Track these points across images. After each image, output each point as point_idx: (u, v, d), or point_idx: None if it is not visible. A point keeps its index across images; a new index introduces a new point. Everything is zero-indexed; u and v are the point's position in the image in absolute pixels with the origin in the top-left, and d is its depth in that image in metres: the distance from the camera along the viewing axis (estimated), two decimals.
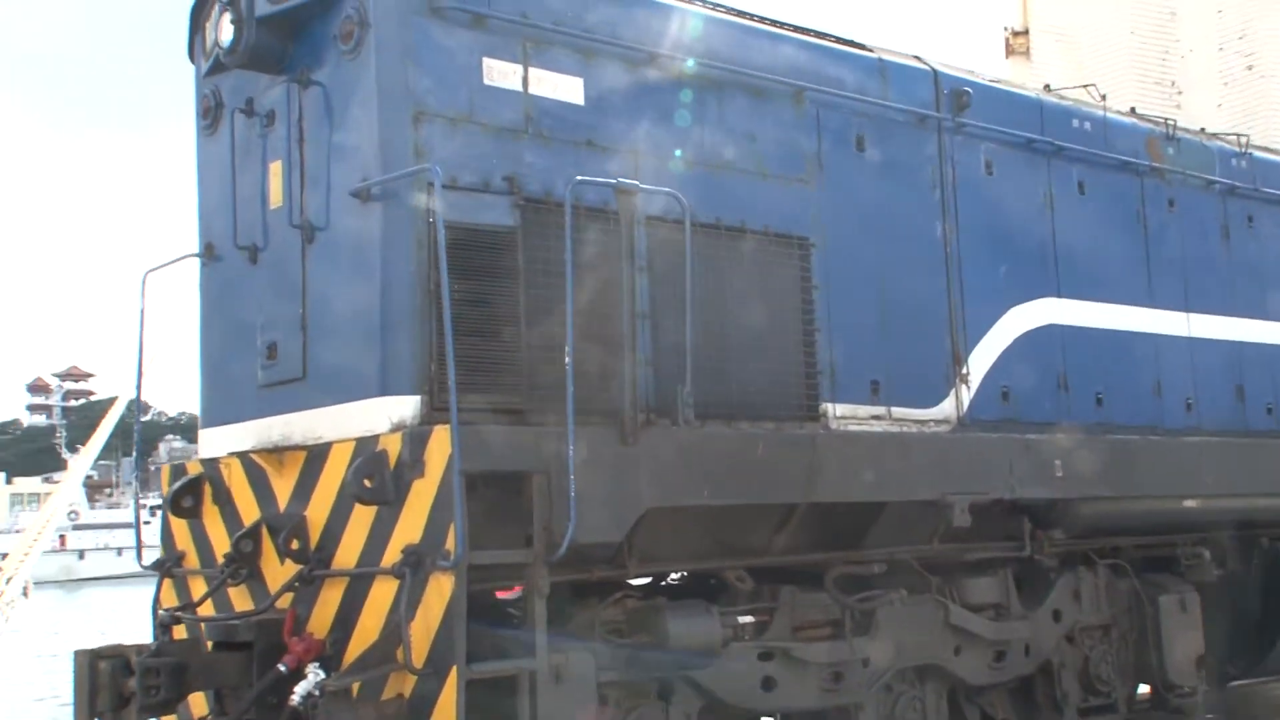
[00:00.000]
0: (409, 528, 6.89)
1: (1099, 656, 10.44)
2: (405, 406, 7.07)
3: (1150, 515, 10.67)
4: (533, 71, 7.73)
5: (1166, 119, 11.95)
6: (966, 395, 9.57)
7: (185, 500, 8.32)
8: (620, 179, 7.52)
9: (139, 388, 9.14)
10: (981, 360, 9.72)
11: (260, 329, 7.97)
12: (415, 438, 6.87)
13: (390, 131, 7.24)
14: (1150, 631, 10.70)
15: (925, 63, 9.93)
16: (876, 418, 9.00)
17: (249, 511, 7.93)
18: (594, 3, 8.06)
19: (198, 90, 8.76)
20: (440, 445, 6.76)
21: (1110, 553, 10.67)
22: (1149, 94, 15.21)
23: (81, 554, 79.72)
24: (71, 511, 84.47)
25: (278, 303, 7.86)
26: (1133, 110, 12.03)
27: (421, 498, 6.84)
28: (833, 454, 8.37)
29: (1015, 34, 17.67)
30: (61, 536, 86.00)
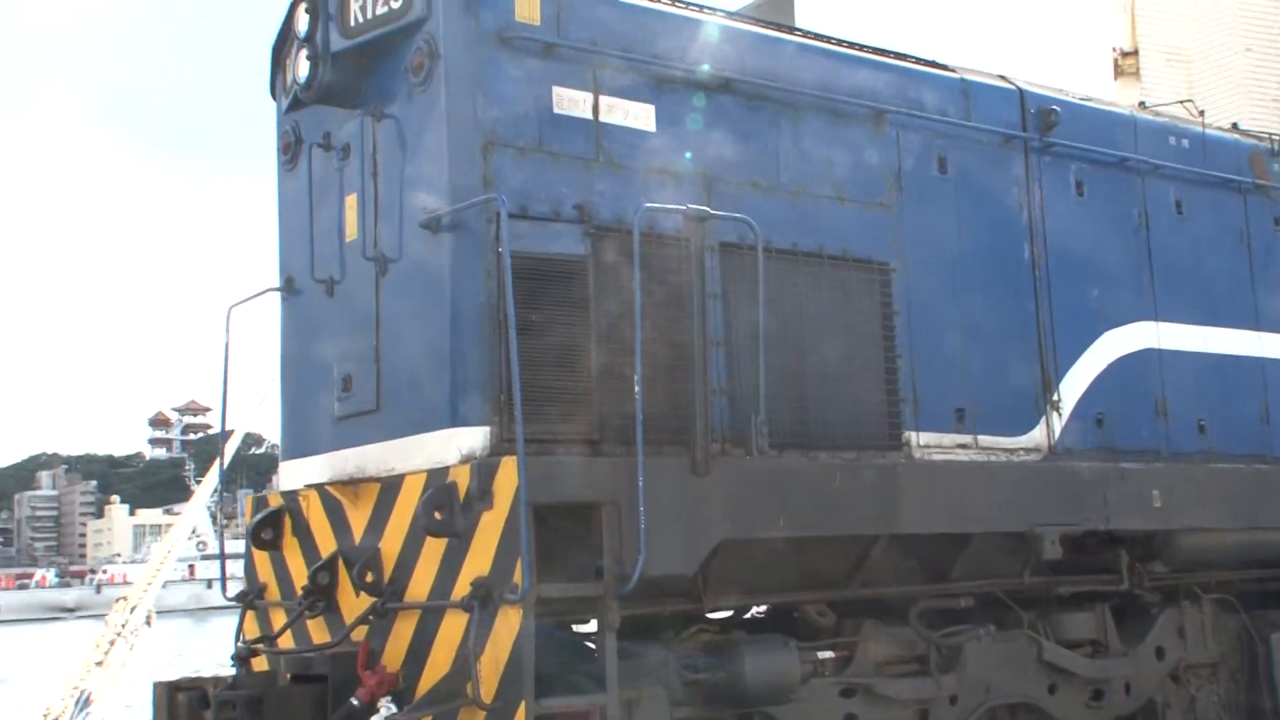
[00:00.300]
0: (478, 560, 6.83)
1: (1207, 697, 10.03)
2: (475, 437, 7.03)
3: (1258, 548, 10.24)
4: (603, 99, 7.68)
5: (1271, 135, 11.54)
6: (1058, 423, 9.28)
7: (266, 532, 8.36)
8: (690, 205, 7.41)
9: (224, 420, 9.20)
10: (1073, 387, 9.43)
11: (336, 361, 8.00)
12: (483, 469, 6.82)
13: (459, 162, 7.23)
14: (1262, 671, 10.26)
15: (1011, 82, 9.71)
16: (962, 446, 8.76)
17: (326, 544, 7.95)
18: (664, 29, 7.99)
19: (279, 127, 8.86)
20: (508, 477, 6.70)
21: (1216, 587, 10.26)
22: (1265, 113, 14.74)
23: (209, 583, 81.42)
24: (200, 543, 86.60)
25: (353, 335, 7.88)
26: (1234, 126, 11.65)
27: (490, 530, 6.78)
28: (914, 484, 8.16)
29: (1124, 55, 17.29)
30: (190, 566, 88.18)
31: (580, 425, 7.22)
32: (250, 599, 8.48)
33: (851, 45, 8.91)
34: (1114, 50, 17.43)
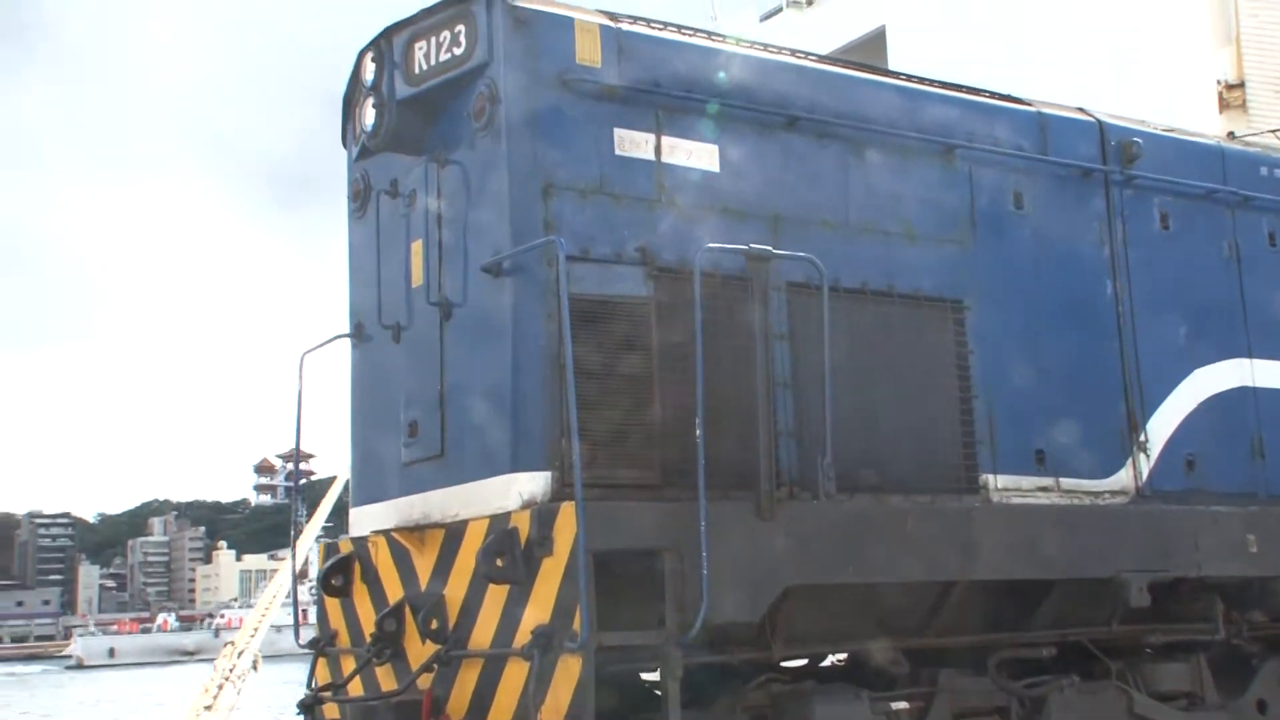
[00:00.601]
0: (539, 607, 6.74)
1: None
2: (536, 483, 6.95)
3: None
4: (665, 139, 7.61)
5: None
6: (1145, 464, 8.98)
7: (335, 579, 8.35)
8: (753, 245, 7.30)
9: (297, 467, 9.23)
10: (1161, 427, 9.12)
11: (403, 407, 7.99)
12: (543, 515, 6.74)
13: (520, 205, 7.20)
14: None
15: (1090, 114, 9.48)
16: (1043, 489, 8.50)
17: (394, 590, 7.91)
18: (727, 68, 7.91)
19: (349, 175, 8.91)
20: (567, 522, 6.60)
21: None
22: None
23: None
24: (313, 587, 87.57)
25: (418, 380, 7.87)
26: None
27: (551, 576, 6.69)
28: (990, 528, 7.91)
29: (1229, 87, 16.90)
30: (304, 611, 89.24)
31: (644, 469, 7.12)
32: (321, 646, 8.47)
33: (922, 81, 8.76)
34: (1219, 83, 17.05)
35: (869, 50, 23.15)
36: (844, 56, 20.16)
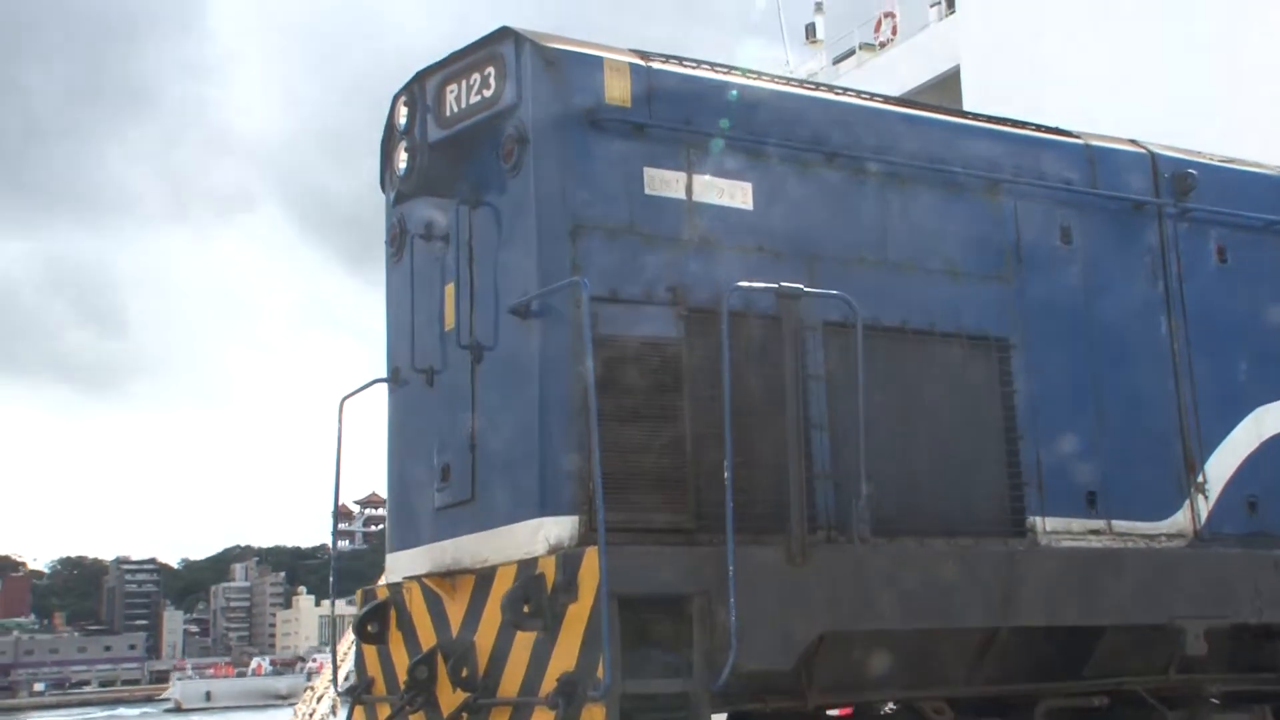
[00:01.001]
0: (565, 654, 6.60)
1: None
2: (563, 527, 6.83)
3: None
4: (697, 178, 7.51)
5: None
6: (1204, 506, 8.67)
7: (371, 625, 8.25)
8: (784, 284, 7.15)
9: (335, 516, 9.19)
10: (1221, 467, 8.82)
11: (436, 451, 7.92)
12: (568, 560, 6.61)
13: (547, 246, 7.12)
14: None
15: (1142, 146, 9.24)
16: (1095, 532, 8.23)
17: (427, 637, 7.80)
18: (762, 104, 7.81)
19: (387, 220, 8.89)
20: (591, 568, 6.47)
21: None
22: None
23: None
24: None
25: (451, 425, 7.79)
26: None
27: (575, 623, 6.56)
28: (1036, 572, 7.66)
29: None
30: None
31: (678, 513, 6.98)
32: (359, 693, 8.38)
33: (963, 114, 8.61)
34: None
35: (943, 91, 23.07)
36: (917, 98, 20.07)
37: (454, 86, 7.76)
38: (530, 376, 7.11)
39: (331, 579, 9.30)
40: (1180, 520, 8.57)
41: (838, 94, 8.23)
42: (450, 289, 7.92)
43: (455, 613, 7.56)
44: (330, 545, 9.53)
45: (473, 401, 7.62)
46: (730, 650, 6.46)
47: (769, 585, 6.78)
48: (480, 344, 7.59)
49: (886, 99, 8.43)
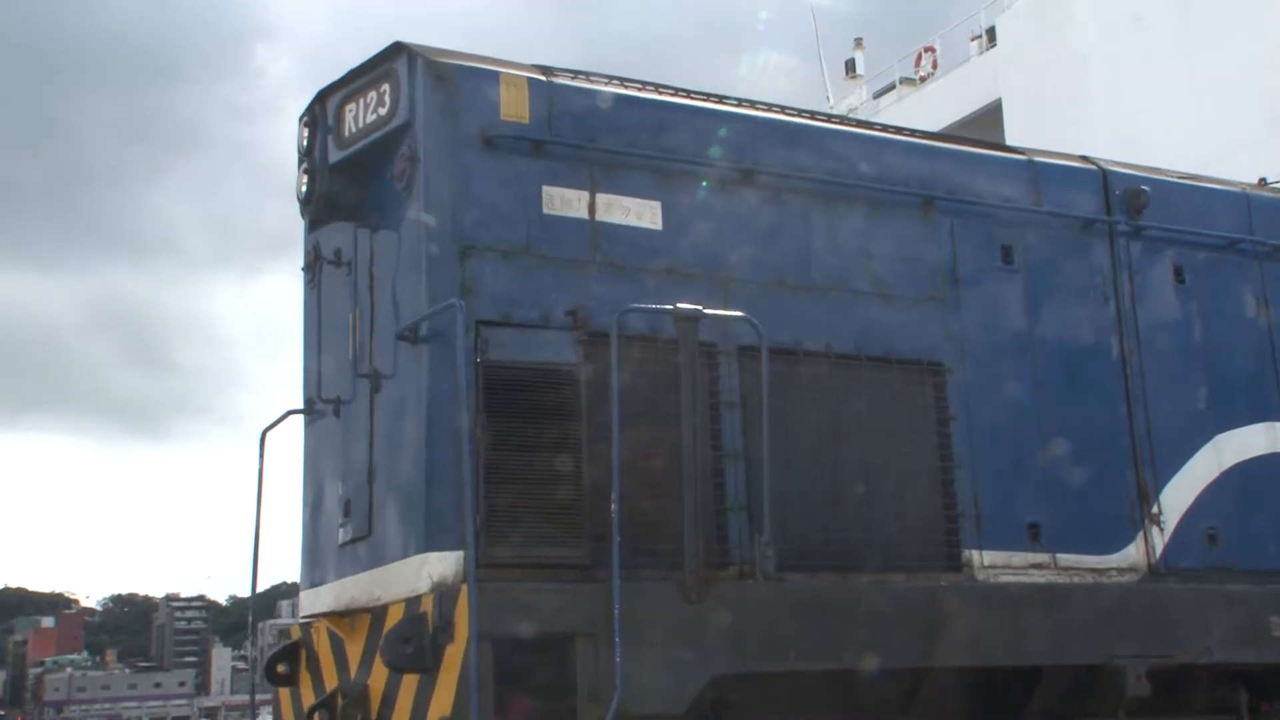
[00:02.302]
0: (443, 698, 6.26)
1: None
2: (447, 563, 6.49)
3: None
4: (600, 197, 7.19)
5: None
6: (1159, 539, 8.21)
7: (282, 666, 7.94)
8: (680, 305, 6.79)
9: (255, 557, 8.84)
10: (1178, 497, 8.36)
11: (341, 484, 7.62)
12: (445, 599, 6.28)
13: (436, 270, 6.81)
14: None
15: (1093, 162, 8.84)
16: (1037, 566, 7.79)
17: (330, 678, 7.48)
18: (673, 121, 7.48)
19: (304, 245, 8.63)
20: (464, 607, 6.13)
21: None
22: None
23: None
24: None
25: (352, 457, 7.49)
26: None
27: (453, 664, 6.22)
28: (960, 609, 7.23)
29: None
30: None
31: (571, 548, 6.62)
32: None
33: (897, 130, 8.24)
34: None
35: (985, 124, 22.77)
36: (958, 131, 19.77)
37: (352, 105, 7.50)
38: (418, 405, 6.80)
39: (250, 618, 8.98)
40: (1133, 554, 8.12)
41: (757, 109, 7.87)
42: (356, 315, 7.64)
43: (354, 653, 7.24)
44: (250, 587, 9.21)
45: (371, 432, 7.32)
46: (614, 694, 6.09)
47: (661, 624, 6.41)
48: (379, 372, 7.29)
49: (811, 114, 8.06)
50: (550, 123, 7.14)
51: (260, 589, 8.86)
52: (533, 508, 6.59)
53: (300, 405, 8.39)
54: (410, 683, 6.54)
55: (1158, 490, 8.29)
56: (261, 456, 8.63)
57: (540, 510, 6.61)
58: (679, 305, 6.75)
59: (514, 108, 7.09)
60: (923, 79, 27.45)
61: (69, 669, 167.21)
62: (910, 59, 28.31)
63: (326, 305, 7.84)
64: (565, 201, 7.10)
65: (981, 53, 25.54)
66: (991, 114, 23.54)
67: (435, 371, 6.74)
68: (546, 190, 7.07)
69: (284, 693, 8.07)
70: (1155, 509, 8.25)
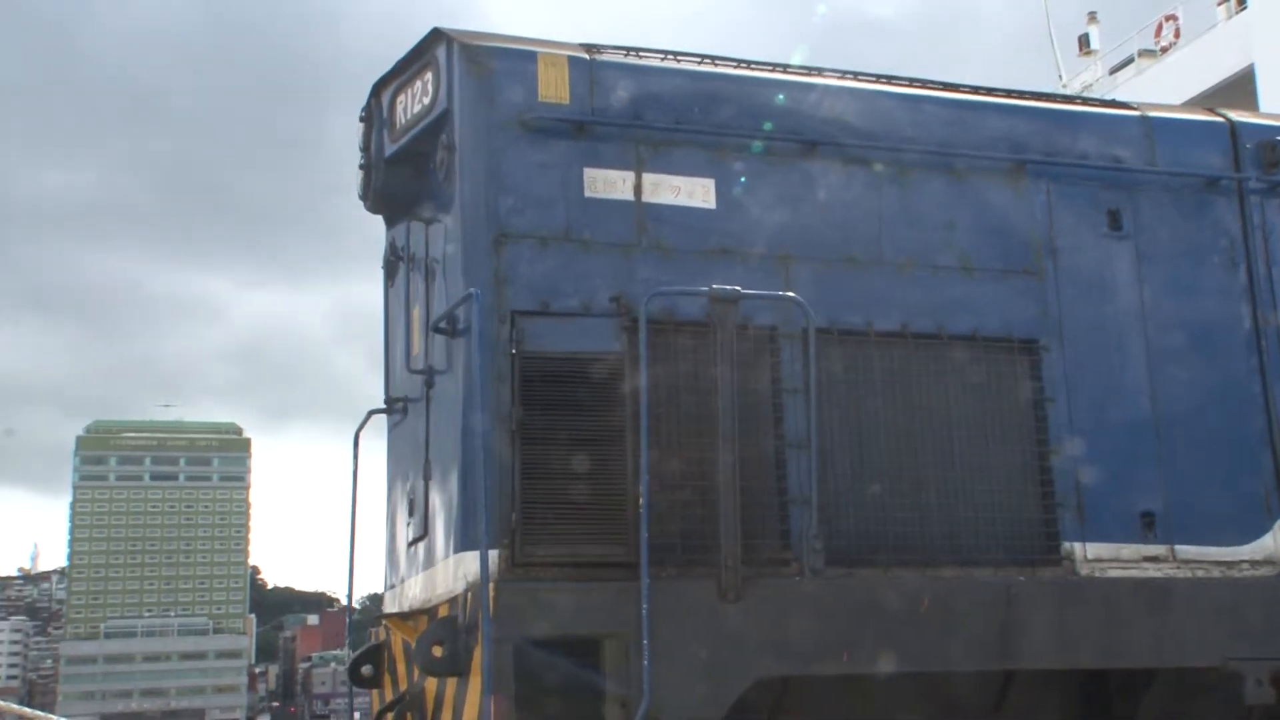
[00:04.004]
0: (473, 702, 6.04)
1: None
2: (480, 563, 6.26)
3: None
4: (648, 177, 6.84)
5: None
6: None
7: (365, 668, 7.86)
8: (717, 286, 6.40)
9: (351, 559, 8.84)
10: None
11: (408, 484, 7.50)
12: (472, 600, 6.05)
13: (472, 259, 6.60)
14: None
15: (1220, 114, 8.02)
16: (1152, 560, 7.09)
17: (403, 681, 7.37)
18: (728, 94, 7.08)
19: (385, 244, 8.57)
20: (497, 609, 5.89)
21: None
22: None
23: None
24: None
25: (414, 455, 7.36)
26: None
27: (480, 667, 5.98)
28: (1039, 607, 6.61)
29: None
30: None
31: (615, 545, 6.30)
32: None
33: (979, 90, 7.62)
34: None
35: (1235, 94, 21.47)
36: (1205, 102, 18.65)
37: (403, 96, 7.37)
38: (457, 400, 6.61)
39: (348, 622, 8.96)
40: (1269, 545, 7.32)
41: (823, 76, 7.39)
42: (416, 312, 7.51)
43: None
44: (346, 593, 9.19)
45: (427, 430, 7.17)
46: (643, 699, 5.76)
47: (696, 624, 6.04)
48: (433, 368, 7.13)
49: (882, 78, 7.51)
50: (592, 102, 6.84)
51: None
52: (573, 504, 6.30)
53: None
54: (453, 685, 6.36)
55: None
56: (356, 458, 8.61)
57: (581, 506, 6.32)
58: (714, 286, 6.37)
59: (553, 88, 6.83)
60: (1164, 50, 25.93)
61: (333, 664, 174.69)
62: (1150, 30, 26.84)
63: (400, 303, 7.73)
64: (609, 183, 6.79)
65: (1230, 17, 23.99)
66: (1243, 82, 22.08)
67: (473, 365, 6.52)
68: (588, 172, 6.78)
69: (376, 696, 8.01)
70: None
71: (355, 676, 7.89)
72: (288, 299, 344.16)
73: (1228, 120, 7.95)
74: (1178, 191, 7.68)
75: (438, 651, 6.13)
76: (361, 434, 8.51)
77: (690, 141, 6.92)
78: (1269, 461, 7.44)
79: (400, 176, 7.49)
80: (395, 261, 8.04)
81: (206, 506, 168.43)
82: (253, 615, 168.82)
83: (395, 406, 7.80)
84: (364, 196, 7.65)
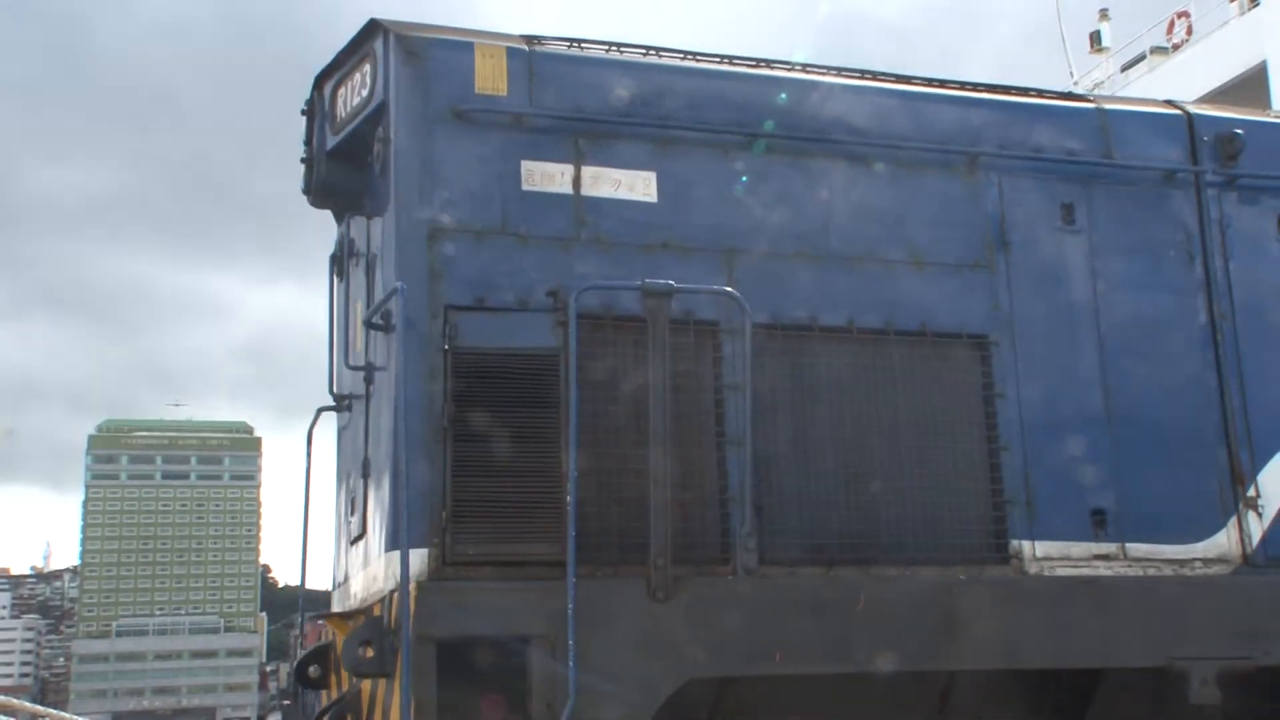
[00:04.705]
0: (398, 704, 5.94)
1: None
2: (412, 562, 6.16)
3: None
4: (587, 170, 6.74)
5: None
6: (1256, 526, 7.26)
7: (311, 669, 7.77)
8: (649, 280, 6.30)
9: (304, 554, 8.77)
10: (1279, 480, 7.37)
11: (350, 482, 7.42)
12: (392, 600, 5.96)
13: (404, 253, 6.50)
14: None
15: (1177, 107, 7.90)
16: (1103, 558, 6.97)
17: (345, 681, 7.27)
18: (673, 86, 6.98)
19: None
20: (418, 609, 5.80)
21: None
22: None
23: None
24: None
25: (355, 453, 7.28)
26: None
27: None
28: (981, 606, 6.49)
29: None
30: None
31: (549, 544, 6.19)
32: None
33: (933, 83, 7.50)
34: None
35: (1247, 90, 21.29)
36: (1217, 99, 18.48)
37: (344, 89, 7.27)
38: (389, 396, 6.51)
39: (299, 619, 8.89)
40: (1223, 542, 7.19)
41: (770, 68, 7.28)
42: (359, 307, 7.42)
43: None
44: (299, 583, 9.15)
45: (366, 427, 7.09)
46: (568, 699, 5.66)
47: (626, 624, 5.94)
48: (373, 365, 7.05)
49: (833, 70, 7.39)
50: (531, 94, 6.75)
51: None
52: (506, 502, 6.20)
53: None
54: (384, 685, 6.27)
55: (1255, 471, 7.33)
56: (309, 456, 8.54)
57: (514, 504, 6.22)
58: (647, 280, 6.27)
59: (490, 80, 6.73)
60: (1175, 47, 25.74)
61: None
62: (1161, 27, 26.64)
63: (345, 298, 7.65)
64: (546, 176, 6.69)
65: (1242, 14, 23.83)
66: (1255, 78, 21.93)
67: (405, 361, 6.39)
68: (526, 165, 6.68)
69: (324, 696, 7.92)
70: (1252, 492, 7.29)
71: (302, 677, 7.80)
72: (298, 297, 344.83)
73: (1185, 113, 7.82)
74: (1134, 185, 7.56)
75: (368, 652, 6.04)
76: (315, 432, 8.46)
77: (632, 134, 6.82)
78: (1224, 458, 7.32)
79: (342, 170, 7.39)
80: (343, 257, 7.97)
81: (218, 505, 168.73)
82: (264, 614, 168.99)
83: (343, 404, 7.72)
84: (307, 191, 7.55)
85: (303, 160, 7.51)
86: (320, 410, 8.22)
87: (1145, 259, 7.49)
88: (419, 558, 6.16)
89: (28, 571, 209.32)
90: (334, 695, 7.56)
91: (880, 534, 6.68)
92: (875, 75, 7.42)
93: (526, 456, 6.28)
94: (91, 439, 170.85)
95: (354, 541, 7.23)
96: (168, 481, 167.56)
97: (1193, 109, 7.86)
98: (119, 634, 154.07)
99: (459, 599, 5.84)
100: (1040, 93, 7.71)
